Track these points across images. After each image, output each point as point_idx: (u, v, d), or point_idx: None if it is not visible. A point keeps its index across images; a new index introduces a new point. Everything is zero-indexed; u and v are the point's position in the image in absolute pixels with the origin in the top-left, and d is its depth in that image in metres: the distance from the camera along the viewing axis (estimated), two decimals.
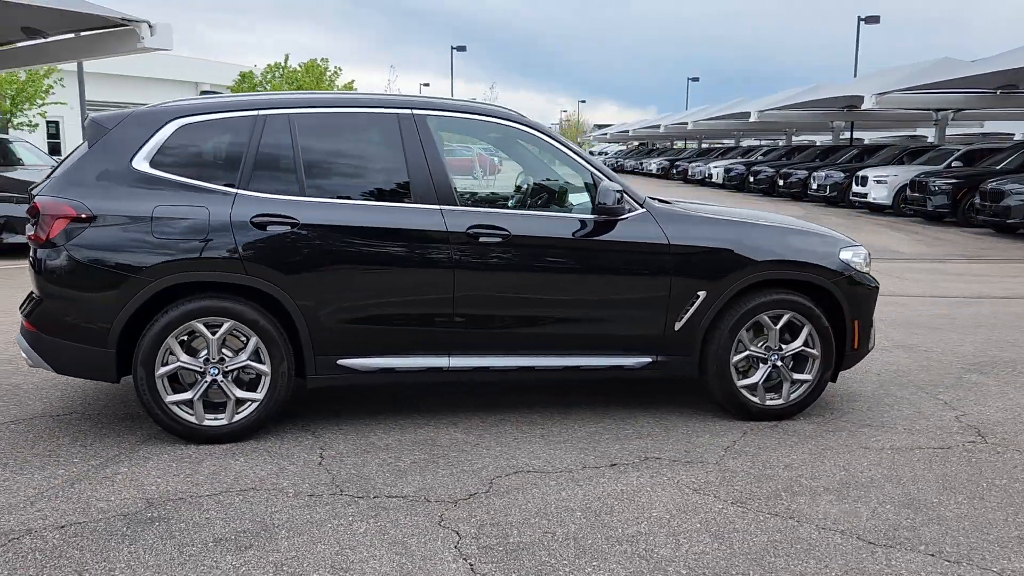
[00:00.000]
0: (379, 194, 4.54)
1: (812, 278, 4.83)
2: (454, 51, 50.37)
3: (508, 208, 5.11)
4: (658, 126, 50.53)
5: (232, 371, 4.34)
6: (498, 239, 4.48)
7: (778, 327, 4.81)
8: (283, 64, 37.20)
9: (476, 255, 4.47)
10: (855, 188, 21.74)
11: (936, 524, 3.62)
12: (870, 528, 3.57)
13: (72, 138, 34.94)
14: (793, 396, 4.91)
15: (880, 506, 3.79)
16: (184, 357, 4.27)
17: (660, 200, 5.08)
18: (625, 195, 4.63)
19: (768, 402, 4.88)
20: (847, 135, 34.40)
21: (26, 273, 4.60)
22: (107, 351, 4.21)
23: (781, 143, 39.92)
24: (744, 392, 4.84)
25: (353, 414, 4.87)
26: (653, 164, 45.89)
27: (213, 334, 4.27)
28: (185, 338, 4.30)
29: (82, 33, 12.27)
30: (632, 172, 51.13)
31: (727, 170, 32.51)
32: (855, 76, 32.79)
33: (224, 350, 4.33)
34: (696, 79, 61.70)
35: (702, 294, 4.69)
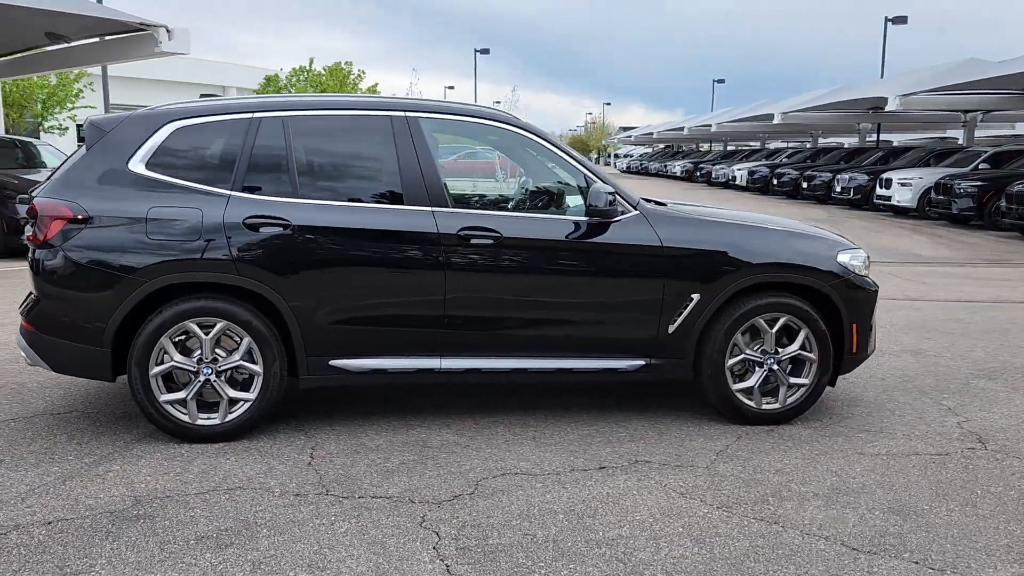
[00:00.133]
0: (371, 196, 4.58)
1: (808, 281, 4.78)
2: (477, 54, 50.52)
3: (501, 210, 5.10)
4: (682, 128, 50.27)
5: (225, 371, 4.38)
6: (489, 241, 4.48)
7: (774, 331, 4.77)
8: (308, 67, 37.53)
9: (467, 257, 4.48)
10: (879, 191, 21.49)
11: (924, 531, 3.57)
12: (855, 534, 3.52)
13: None
14: (790, 400, 4.86)
15: (868, 512, 3.74)
16: (178, 357, 4.32)
17: (655, 202, 5.05)
18: (618, 197, 4.61)
19: (764, 406, 4.84)
20: (874, 137, 34.02)
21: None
22: (102, 350, 4.27)
23: (808, 145, 39.55)
24: (739, 396, 4.80)
25: (347, 415, 4.90)
26: (677, 166, 45.69)
27: (206, 334, 4.32)
28: (180, 338, 4.35)
29: (103, 38, 12.47)
30: (656, 175, 50.97)
31: (751, 172, 32.27)
32: (882, 77, 32.43)
33: (218, 350, 4.38)
34: (722, 81, 61.41)
35: (696, 297, 4.66)
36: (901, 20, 34.59)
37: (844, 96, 26.79)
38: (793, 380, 4.84)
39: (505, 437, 4.61)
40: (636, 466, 4.24)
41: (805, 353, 4.82)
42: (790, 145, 44.62)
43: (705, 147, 55.51)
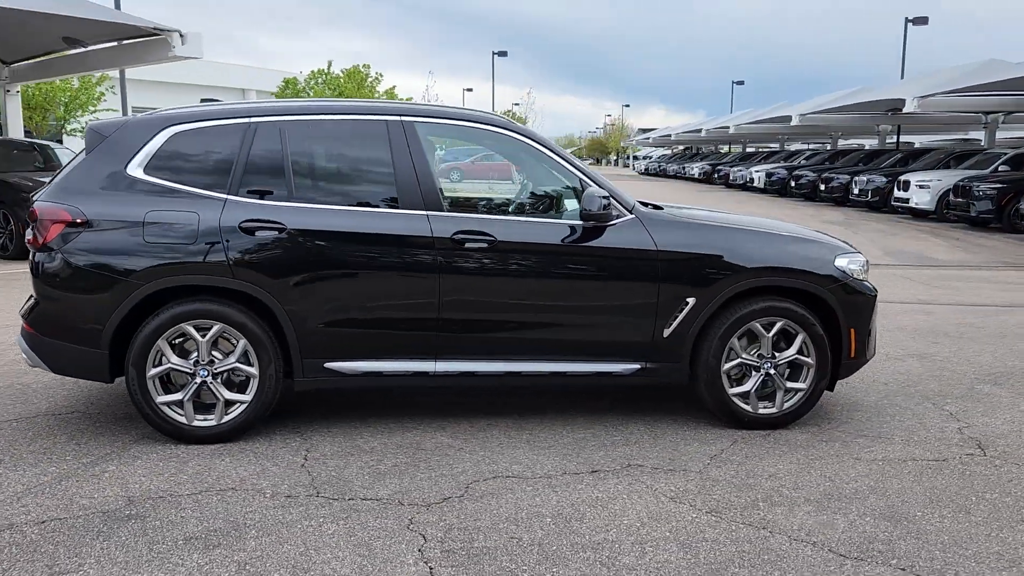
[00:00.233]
0: (366, 200, 4.60)
1: (804, 285, 4.75)
2: (495, 56, 50.60)
3: (496, 214, 5.11)
4: (700, 130, 50.08)
5: (221, 373, 4.43)
6: (483, 244, 4.50)
7: (771, 335, 4.75)
8: (326, 70, 37.76)
9: (461, 260, 4.49)
10: (897, 193, 21.30)
11: (914, 538, 3.54)
12: (844, 540, 3.50)
13: None
14: (787, 405, 4.83)
15: (859, 518, 3.71)
16: (174, 359, 4.37)
17: (653, 205, 5.04)
18: (613, 201, 4.61)
19: (761, 411, 4.82)
20: (894, 139, 33.71)
21: None
22: (100, 352, 4.33)
23: (828, 147, 39.27)
24: (736, 400, 4.78)
25: (343, 417, 4.93)
26: (695, 168, 45.52)
27: (203, 337, 4.36)
28: (177, 340, 4.40)
29: (120, 42, 12.64)
30: (675, 176, 50.82)
31: (768, 174, 32.09)
32: (902, 78, 32.14)
33: (214, 352, 4.42)
34: (741, 82, 61.26)
35: (691, 301, 4.65)
36: (922, 21, 34.30)
37: (862, 98, 26.57)
38: (790, 385, 4.82)
39: (500, 440, 4.62)
40: (628, 470, 4.24)
41: (802, 357, 4.80)
42: (810, 147, 44.35)
43: (725, 149, 55.23)
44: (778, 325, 4.74)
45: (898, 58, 34.46)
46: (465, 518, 3.65)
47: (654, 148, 76.50)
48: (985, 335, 7.59)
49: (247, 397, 4.45)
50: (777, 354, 4.79)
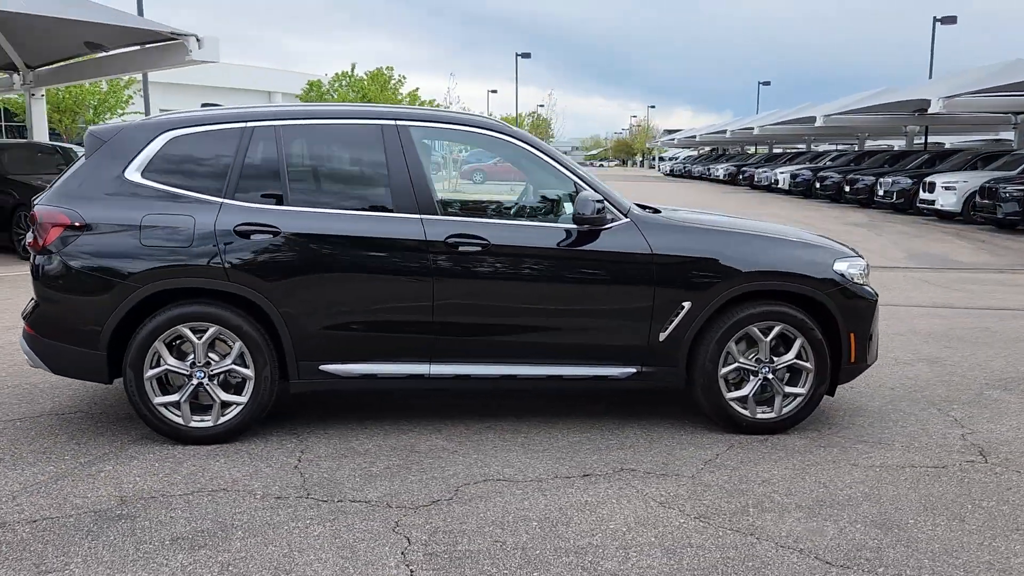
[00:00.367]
0: (360, 203, 4.62)
1: (802, 289, 4.71)
2: (519, 58, 50.64)
3: (491, 217, 5.12)
4: (724, 131, 49.76)
5: (218, 375, 4.47)
6: (477, 248, 4.50)
7: (768, 339, 4.70)
8: (350, 73, 38.02)
9: (455, 264, 4.50)
10: (922, 195, 21.02)
11: (904, 546, 3.49)
12: (831, 547, 3.46)
13: None
14: (786, 410, 4.79)
15: (850, 525, 3.67)
16: (171, 360, 4.42)
17: (650, 208, 5.02)
18: (607, 204, 4.60)
19: (759, 415, 4.77)
20: (922, 140, 33.26)
21: None
22: (99, 353, 4.39)
23: (855, 148, 38.84)
24: (733, 405, 4.74)
25: (341, 419, 4.96)
26: (720, 170, 45.25)
27: (199, 339, 4.41)
28: (175, 342, 4.45)
29: (136, 47, 12.84)
30: (700, 178, 50.51)
31: (793, 176, 31.81)
32: (930, 78, 31.71)
33: (211, 354, 4.47)
34: (767, 83, 60.78)
35: (687, 305, 4.62)
36: (950, 20, 33.81)
37: (887, 98, 26.26)
38: (789, 389, 4.77)
39: (494, 443, 4.62)
40: (620, 474, 4.22)
41: (801, 362, 4.75)
42: (838, 148, 43.88)
43: (752, 150, 54.82)
44: (776, 329, 4.70)
45: (926, 58, 34.00)
46: (451, 521, 3.66)
47: (680, 149, 76.14)
48: (1000, 340, 7.46)
49: (243, 399, 4.49)
50: (775, 359, 4.75)
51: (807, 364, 4.74)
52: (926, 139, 34.01)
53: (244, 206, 4.44)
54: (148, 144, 4.48)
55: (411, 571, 3.23)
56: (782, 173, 33.52)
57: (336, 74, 38.12)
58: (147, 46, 12.79)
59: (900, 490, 4.06)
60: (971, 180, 19.59)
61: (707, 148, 62.40)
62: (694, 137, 60.15)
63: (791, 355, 4.73)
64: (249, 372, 4.47)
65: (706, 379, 4.69)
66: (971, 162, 22.03)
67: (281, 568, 3.24)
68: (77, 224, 4.35)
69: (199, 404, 4.51)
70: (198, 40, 11.49)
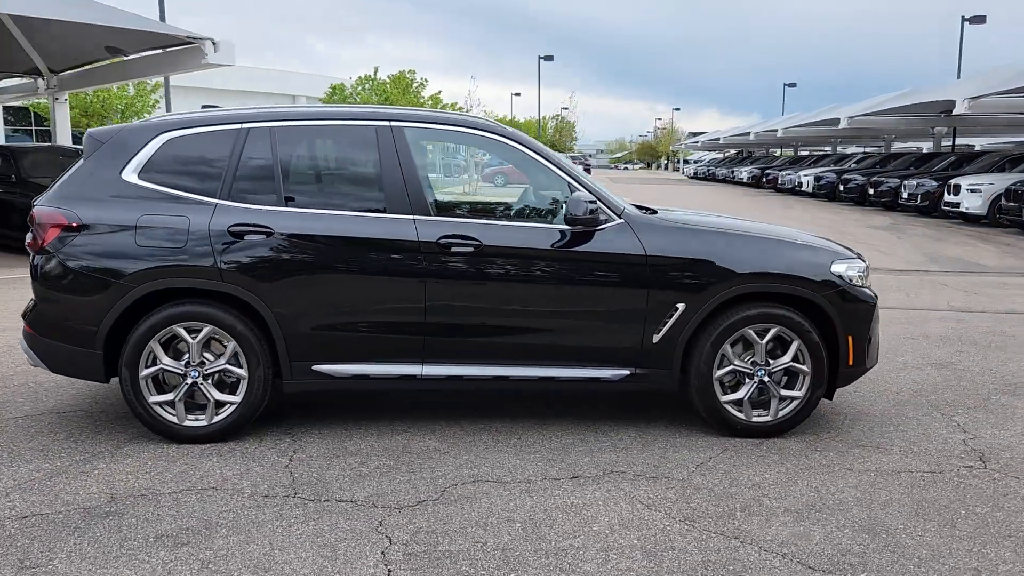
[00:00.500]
0: (354, 204, 4.64)
1: (798, 291, 4.65)
2: (541, 60, 50.67)
3: (484, 218, 5.12)
4: (748, 133, 49.40)
5: (212, 374, 4.51)
6: (470, 249, 4.50)
7: (764, 341, 4.66)
8: (372, 76, 38.25)
9: (448, 265, 4.51)
10: (947, 197, 20.74)
11: (890, 551, 3.43)
12: (816, 552, 3.42)
13: None
14: (782, 413, 4.74)
15: (837, 530, 3.62)
16: (166, 360, 4.47)
17: (646, 209, 5.00)
18: (600, 205, 4.58)
19: (755, 418, 4.73)
20: (949, 142, 32.80)
21: None
22: (95, 352, 4.45)
23: (882, 150, 38.39)
24: (728, 408, 4.70)
25: (337, 419, 4.97)
26: (744, 172, 44.94)
27: (193, 338, 4.45)
28: (171, 341, 4.50)
29: (165, 50, 13.03)
30: (724, 181, 50.20)
31: (817, 178, 31.49)
32: (958, 78, 31.25)
33: (205, 354, 4.50)
34: (793, 85, 60.35)
35: (681, 306, 4.59)
36: (979, 20, 33.36)
37: (912, 99, 25.91)
38: (785, 393, 4.72)
39: (487, 444, 4.62)
40: (610, 476, 4.20)
41: (798, 365, 4.69)
42: (865, 150, 43.39)
43: (778, 152, 54.41)
44: (772, 332, 4.65)
45: (955, 58, 33.54)
46: (435, 521, 3.66)
47: (705, 152, 75.72)
48: (1015, 344, 7.34)
49: (237, 398, 4.53)
50: (772, 361, 4.70)
51: (804, 367, 4.69)
52: (953, 141, 33.54)
53: (239, 207, 4.48)
54: (145, 145, 4.54)
55: (389, 570, 3.24)
56: (806, 176, 33.20)
57: (359, 77, 38.42)
58: (165, 50, 12.96)
59: (893, 495, 4.00)
60: (997, 182, 19.29)
61: (732, 151, 62.01)
62: (718, 140, 59.80)
63: (787, 358, 4.68)
64: (242, 372, 4.50)
65: (701, 381, 4.66)
66: (998, 164, 21.69)
67: (260, 566, 3.26)
68: (74, 225, 4.41)
69: (194, 403, 4.56)
70: (214, 44, 11.63)
